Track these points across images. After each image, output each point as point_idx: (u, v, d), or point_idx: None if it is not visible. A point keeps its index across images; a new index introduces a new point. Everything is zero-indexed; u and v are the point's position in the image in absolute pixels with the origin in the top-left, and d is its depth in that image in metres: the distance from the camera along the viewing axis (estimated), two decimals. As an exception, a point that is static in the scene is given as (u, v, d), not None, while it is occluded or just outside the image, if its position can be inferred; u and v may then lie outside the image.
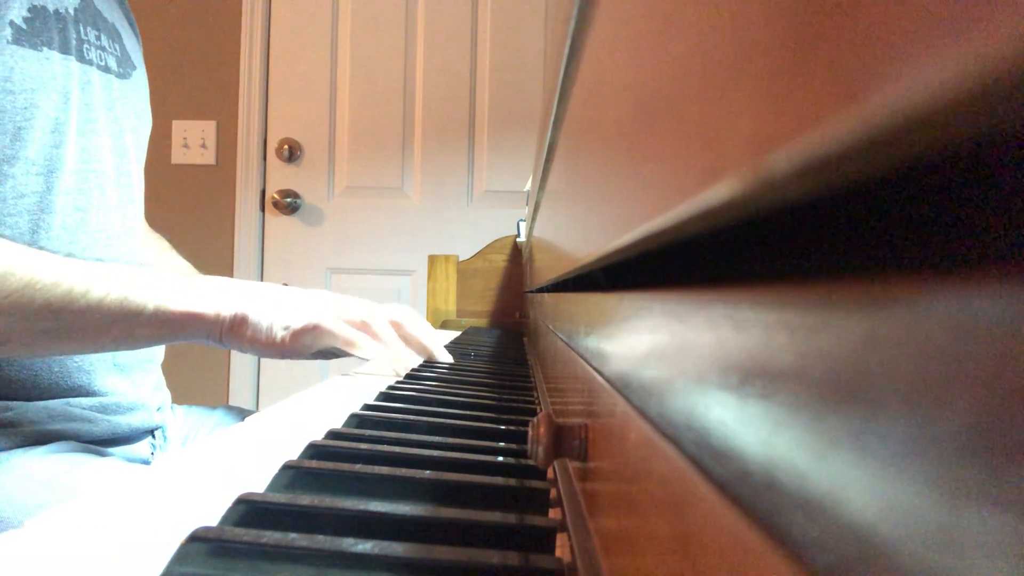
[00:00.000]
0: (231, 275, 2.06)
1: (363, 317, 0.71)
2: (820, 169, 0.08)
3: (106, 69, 0.77)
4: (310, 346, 0.69)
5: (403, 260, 2.06)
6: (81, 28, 0.73)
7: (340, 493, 0.33)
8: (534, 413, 0.55)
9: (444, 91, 2.05)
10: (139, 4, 1.00)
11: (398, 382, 0.63)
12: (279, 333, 0.68)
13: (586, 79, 0.31)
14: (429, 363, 0.77)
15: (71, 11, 0.72)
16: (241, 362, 2.07)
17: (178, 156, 2.09)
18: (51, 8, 0.69)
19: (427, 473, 0.34)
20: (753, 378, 0.11)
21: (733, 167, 0.10)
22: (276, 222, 2.09)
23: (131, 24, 0.88)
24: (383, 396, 0.55)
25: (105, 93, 0.76)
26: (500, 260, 1.58)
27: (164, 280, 0.65)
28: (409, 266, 2.06)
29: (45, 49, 0.68)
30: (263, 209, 2.10)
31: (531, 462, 0.33)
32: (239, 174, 2.08)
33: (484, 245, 1.61)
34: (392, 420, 0.47)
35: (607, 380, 0.24)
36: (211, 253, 2.06)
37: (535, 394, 0.64)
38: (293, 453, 0.37)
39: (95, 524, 0.28)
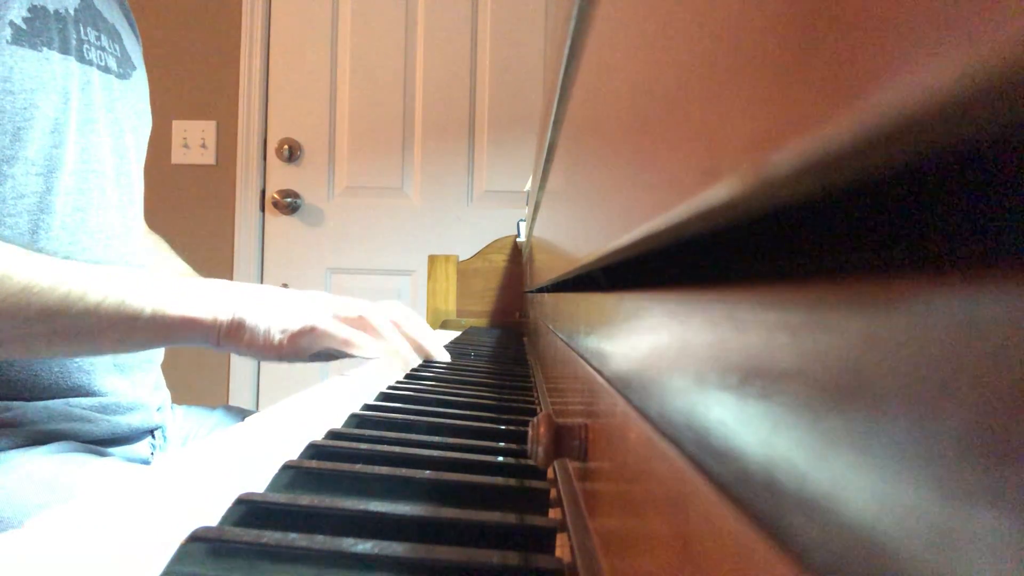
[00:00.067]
0: (231, 275, 2.06)
1: (360, 312, 0.71)
2: (820, 169, 0.08)
3: (106, 69, 0.77)
4: (308, 348, 0.69)
5: (403, 260, 2.06)
6: (81, 28, 0.73)
7: (340, 493, 0.33)
8: (534, 413, 0.55)
9: (444, 91, 2.05)
10: (139, 4, 1.00)
11: (398, 382, 0.63)
12: (276, 336, 0.68)
13: (586, 79, 0.31)
14: (428, 363, 0.77)
15: (71, 11, 0.72)
16: (241, 362, 2.07)
17: (178, 156, 2.09)
18: (51, 8, 0.69)
19: (427, 473, 0.34)
20: (753, 378, 0.11)
21: (733, 167, 0.10)
22: (276, 222, 2.09)
23: (131, 24, 0.88)
24: (383, 396, 0.55)
25: (105, 93, 0.76)
26: (500, 260, 1.58)
27: (162, 284, 0.65)
28: (409, 266, 2.06)
29: (45, 49, 0.68)
30: (263, 209, 2.10)
31: (531, 462, 0.33)
32: (239, 174, 2.08)
33: (484, 245, 1.61)
34: (392, 420, 0.47)
35: (607, 380, 0.24)
36: (211, 253, 2.06)
37: (535, 394, 0.64)
38: (293, 453, 0.37)
39: (95, 524, 0.28)
